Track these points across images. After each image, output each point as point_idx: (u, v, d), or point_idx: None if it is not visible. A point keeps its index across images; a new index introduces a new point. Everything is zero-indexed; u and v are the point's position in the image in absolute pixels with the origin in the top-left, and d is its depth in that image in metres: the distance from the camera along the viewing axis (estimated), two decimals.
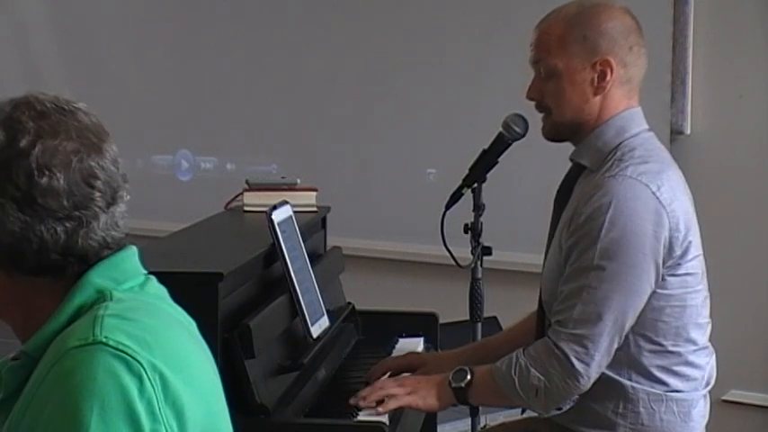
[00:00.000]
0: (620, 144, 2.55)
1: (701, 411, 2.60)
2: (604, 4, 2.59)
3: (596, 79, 2.55)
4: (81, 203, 1.50)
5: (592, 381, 2.47)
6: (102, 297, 1.51)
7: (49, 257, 1.50)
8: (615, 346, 2.47)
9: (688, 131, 4.31)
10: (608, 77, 2.55)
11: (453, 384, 2.57)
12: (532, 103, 2.67)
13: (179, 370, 1.46)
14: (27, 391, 1.46)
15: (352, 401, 2.59)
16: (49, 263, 1.51)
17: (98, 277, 1.52)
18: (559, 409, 2.53)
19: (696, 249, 2.55)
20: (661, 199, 2.47)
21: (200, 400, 1.50)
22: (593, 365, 2.45)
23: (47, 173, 1.48)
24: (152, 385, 1.41)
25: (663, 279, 2.49)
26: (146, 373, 1.41)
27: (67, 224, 1.50)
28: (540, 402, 2.50)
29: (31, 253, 1.50)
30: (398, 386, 2.62)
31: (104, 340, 1.42)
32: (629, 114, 2.59)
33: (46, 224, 1.49)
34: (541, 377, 2.47)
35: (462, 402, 2.60)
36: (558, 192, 2.70)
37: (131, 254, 1.57)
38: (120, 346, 1.42)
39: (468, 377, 2.57)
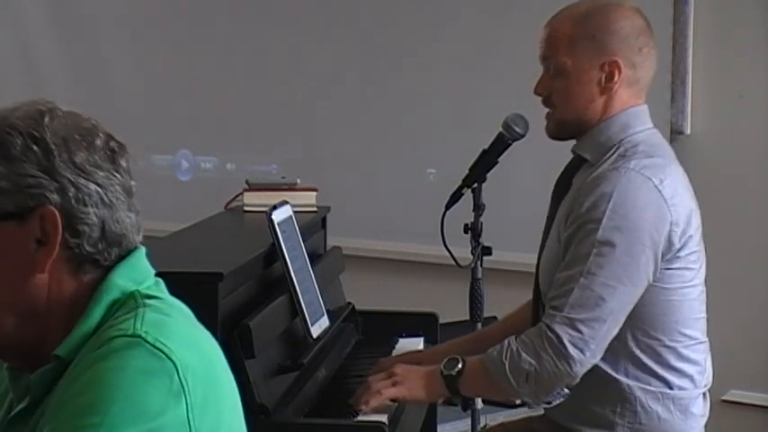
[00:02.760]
0: (623, 140, 2.56)
1: (699, 410, 2.60)
2: (615, 4, 2.59)
3: (604, 80, 2.56)
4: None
5: (584, 369, 2.45)
6: (130, 297, 1.51)
7: (129, 249, 1.54)
8: (610, 336, 2.47)
9: (688, 131, 4.31)
10: (615, 78, 2.55)
11: (445, 372, 2.56)
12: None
13: (208, 371, 1.46)
14: (61, 388, 1.44)
15: (351, 401, 2.60)
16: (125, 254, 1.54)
17: (120, 278, 1.51)
18: (548, 403, 2.52)
19: (696, 245, 2.55)
20: (663, 192, 2.48)
21: (230, 397, 1.51)
22: (588, 353, 2.44)
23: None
24: (183, 386, 1.40)
25: (660, 272, 2.50)
26: (178, 373, 1.40)
27: (136, 217, 1.55)
28: (529, 389, 2.47)
29: (126, 241, 1.52)
30: (386, 378, 2.61)
31: (143, 335, 1.41)
32: (634, 112, 2.60)
33: (134, 216, 1.54)
34: (532, 361, 2.46)
35: (453, 392, 2.59)
36: (556, 184, 2.70)
37: (143, 254, 1.57)
38: (158, 344, 1.41)
39: (460, 365, 2.56)
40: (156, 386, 1.38)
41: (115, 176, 1.51)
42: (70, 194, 1.47)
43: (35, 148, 1.47)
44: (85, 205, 1.48)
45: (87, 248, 1.49)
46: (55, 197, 1.46)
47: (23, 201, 1.46)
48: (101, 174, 1.49)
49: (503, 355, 2.50)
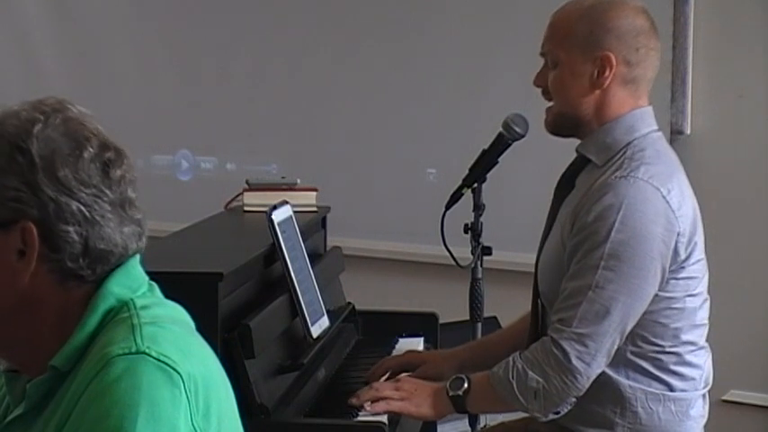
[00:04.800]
0: (629, 143, 2.54)
1: (699, 411, 2.60)
2: (620, 2, 2.58)
3: (596, 74, 2.55)
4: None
5: (590, 380, 2.46)
6: (124, 305, 1.51)
7: (122, 261, 1.52)
8: (615, 346, 2.47)
9: (688, 131, 4.31)
10: (606, 73, 2.54)
11: (451, 393, 2.56)
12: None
13: (206, 377, 1.47)
14: (64, 401, 1.45)
15: (350, 401, 2.59)
16: (115, 267, 1.52)
17: (116, 286, 1.51)
18: (557, 413, 2.51)
19: (700, 253, 2.55)
20: (671, 203, 2.47)
21: (227, 402, 1.52)
22: (594, 365, 2.45)
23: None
24: (188, 396, 1.42)
25: (665, 282, 2.50)
26: (184, 384, 1.42)
27: (134, 227, 1.53)
28: (539, 405, 2.48)
29: (114, 257, 1.51)
30: (394, 389, 2.61)
31: (147, 351, 1.42)
32: (639, 113, 2.59)
33: (128, 228, 1.52)
34: (540, 379, 2.46)
35: (460, 411, 2.59)
36: (559, 181, 2.69)
37: (137, 260, 1.57)
38: (162, 357, 1.42)
39: (466, 385, 2.55)
40: (168, 399, 1.40)
41: (104, 192, 1.49)
42: (50, 211, 1.46)
43: (20, 159, 1.47)
44: (66, 223, 1.47)
45: (68, 264, 1.48)
46: (34, 212, 1.46)
47: (4, 213, 1.47)
48: (86, 191, 1.47)
49: (509, 375, 2.49)
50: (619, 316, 2.44)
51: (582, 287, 2.45)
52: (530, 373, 2.47)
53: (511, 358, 2.52)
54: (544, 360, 2.46)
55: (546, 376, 2.45)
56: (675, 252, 2.48)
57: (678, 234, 2.48)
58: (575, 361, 2.43)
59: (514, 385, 2.48)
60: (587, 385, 2.46)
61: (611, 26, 2.54)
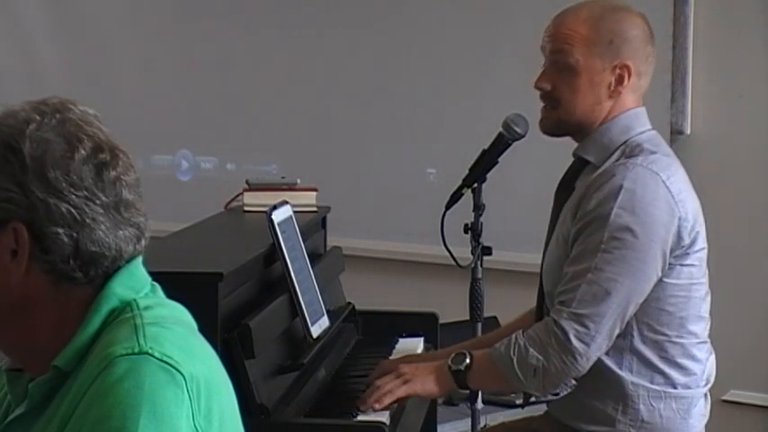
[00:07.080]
0: (626, 141, 2.58)
1: (700, 410, 2.61)
2: (626, 10, 2.62)
3: (614, 83, 2.57)
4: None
5: (590, 362, 2.48)
6: (127, 306, 1.50)
7: (119, 264, 1.51)
8: (617, 330, 2.49)
9: (688, 131, 4.31)
10: (625, 82, 2.57)
11: (453, 368, 2.59)
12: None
13: (209, 378, 1.47)
14: (66, 401, 1.44)
15: (359, 408, 2.59)
16: (113, 270, 1.51)
17: (119, 287, 1.51)
18: (556, 394, 2.53)
19: (702, 242, 2.57)
20: (671, 188, 2.50)
21: (229, 403, 1.51)
22: (594, 346, 2.46)
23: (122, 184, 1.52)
24: (190, 397, 1.42)
25: (671, 268, 2.51)
26: (186, 384, 1.41)
27: (131, 230, 1.51)
28: (537, 383, 2.50)
29: (107, 260, 1.50)
30: (395, 378, 2.62)
31: (150, 351, 1.42)
32: (634, 113, 2.61)
33: (123, 231, 1.50)
34: (540, 357, 2.48)
35: (462, 386, 2.62)
36: (559, 185, 2.71)
37: (140, 261, 1.57)
38: (165, 358, 1.42)
39: (468, 360, 2.58)
40: (171, 399, 1.40)
41: (96, 195, 1.48)
42: (40, 212, 1.45)
43: (12, 159, 1.46)
44: (56, 225, 1.46)
45: (60, 266, 1.48)
46: (24, 213, 1.46)
47: None
48: (77, 193, 1.46)
49: (510, 351, 2.52)
50: (618, 298, 2.46)
51: (582, 270, 2.48)
52: (531, 350, 2.49)
53: (513, 335, 2.54)
54: (545, 339, 2.48)
55: (546, 354, 2.47)
56: (679, 237, 2.50)
57: (680, 218, 2.50)
58: (574, 341, 2.45)
59: (515, 361, 2.50)
60: (587, 367, 2.48)
61: (629, 36, 2.57)
